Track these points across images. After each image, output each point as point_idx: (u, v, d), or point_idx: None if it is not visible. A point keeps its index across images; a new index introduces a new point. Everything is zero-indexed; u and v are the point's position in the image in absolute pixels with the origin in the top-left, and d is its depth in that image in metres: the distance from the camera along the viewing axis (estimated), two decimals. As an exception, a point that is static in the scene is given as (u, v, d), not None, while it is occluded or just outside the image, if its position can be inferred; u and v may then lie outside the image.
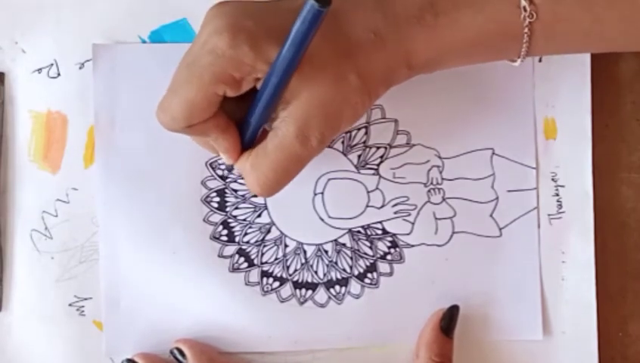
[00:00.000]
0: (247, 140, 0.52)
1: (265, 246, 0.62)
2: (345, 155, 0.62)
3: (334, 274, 0.62)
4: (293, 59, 0.47)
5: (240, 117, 0.52)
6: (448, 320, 0.61)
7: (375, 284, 0.62)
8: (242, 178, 0.61)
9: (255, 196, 0.62)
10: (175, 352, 0.60)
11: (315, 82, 0.49)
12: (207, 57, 0.48)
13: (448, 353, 0.60)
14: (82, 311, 0.62)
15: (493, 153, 0.62)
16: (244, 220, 0.62)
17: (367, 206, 0.62)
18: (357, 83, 0.50)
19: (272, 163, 0.50)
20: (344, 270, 0.62)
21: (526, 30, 0.51)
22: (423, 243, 0.62)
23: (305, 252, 0.62)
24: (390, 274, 0.62)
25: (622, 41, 0.54)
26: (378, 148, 0.62)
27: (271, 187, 0.51)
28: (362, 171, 0.62)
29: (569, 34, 0.52)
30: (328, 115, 0.49)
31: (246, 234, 0.62)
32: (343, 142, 0.62)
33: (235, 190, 0.62)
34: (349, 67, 0.49)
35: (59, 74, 0.61)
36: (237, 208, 0.62)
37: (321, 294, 0.62)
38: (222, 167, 0.61)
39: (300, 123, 0.49)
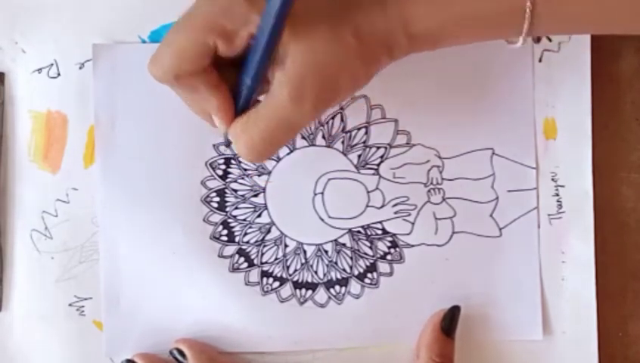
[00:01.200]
0: (242, 104, 0.51)
1: (265, 246, 0.62)
2: (345, 155, 0.62)
3: (334, 274, 0.62)
4: (283, 6, 0.45)
5: (235, 83, 0.51)
6: (449, 320, 0.61)
7: (375, 284, 0.62)
8: (242, 178, 0.62)
9: (256, 195, 0.62)
10: (175, 352, 0.60)
11: (309, 39, 0.48)
12: (202, 7, 0.48)
13: (450, 354, 0.60)
14: (82, 311, 0.62)
15: (493, 153, 0.62)
16: (244, 220, 0.62)
17: (367, 206, 0.62)
18: (355, 45, 0.48)
19: (263, 126, 0.49)
20: (344, 270, 0.62)
21: (528, 5, 0.49)
22: (423, 243, 0.62)
23: (305, 252, 0.62)
24: (390, 274, 0.62)
25: (628, 23, 0.53)
26: (378, 148, 0.62)
27: (260, 152, 0.50)
28: (362, 171, 0.62)
29: (573, 14, 0.51)
30: (324, 78, 0.48)
31: (246, 234, 0.62)
32: (343, 142, 0.62)
33: (235, 190, 0.62)
34: (346, 27, 0.48)
35: (59, 74, 0.61)
36: (237, 208, 0.62)
37: (321, 294, 0.62)
38: (222, 167, 0.62)
39: (295, 84, 0.48)
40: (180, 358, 0.60)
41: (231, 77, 0.51)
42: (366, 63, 0.50)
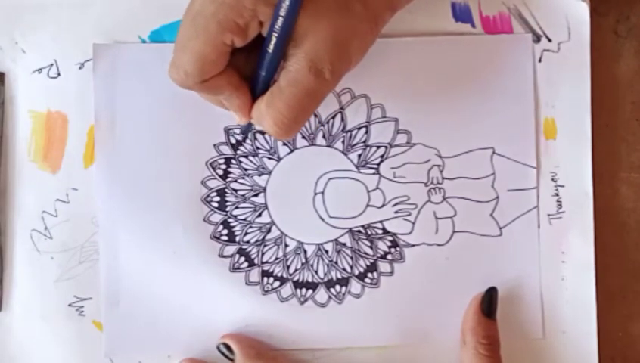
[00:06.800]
0: (258, 93, 0.52)
1: (265, 245, 0.62)
2: (345, 154, 0.62)
3: (335, 274, 0.62)
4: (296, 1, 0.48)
5: (249, 72, 0.52)
6: (488, 302, 0.61)
7: (375, 284, 0.62)
8: (242, 178, 0.62)
9: (256, 195, 0.62)
10: (222, 347, 0.61)
11: (321, 16, 0.49)
12: (209, 8, 0.49)
13: (495, 335, 0.60)
14: (82, 311, 0.62)
15: (493, 153, 0.62)
16: (244, 220, 0.62)
17: (367, 205, 0.62)
18: (362, 11, 0.50)
19: (287, 100, 0.50)
20: (344, 270, 0.62)
21: None
22: (423, 243, 0.62)
23: (305, 251, 0.62)
24: (391, 273, 0.62)
25: None
26: (379, 147, 0.62)
27: (288, 125, 0.51)
28: (363, 170, 0.62)
29: None
30: (338, 45, 0.50)
31: (246, 233, 0.62)
32: (343, 142, 0.62)
33: (235, 190, 0.62)
34: None
35: (59, 74, 0.61)
36: (237, 207, 0.62)
37: (321, 294, 0.62)
38: (222, 167, 0.62)
39: (312, 56, 0.50)
40: (227, 353, 0.60)
41: (241, 65, 0.52)
42: (373, 24, 0.52)
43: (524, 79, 0.63)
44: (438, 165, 0.62)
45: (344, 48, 0.50)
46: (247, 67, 0.52)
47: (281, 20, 0.49)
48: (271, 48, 0.50)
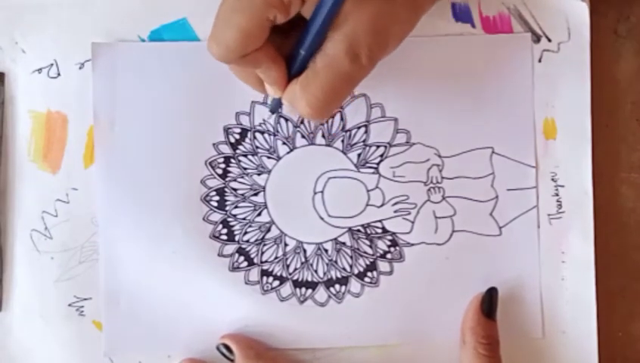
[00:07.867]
0: (294, 72, 0.52)
1: (265, 245, 0.62)
2: (345, 154, 0.62)
3: (334, 273, 0.62)
4: None
5: (285, 50, 0.52)
6: (489, 302, 0.61)
7: (375, 283, 0.62)
8: (241, 177, 0.62)
9: (255, 194, 0.62)
10: (222, 347, 0.61)
11: (364, 1, 0.49)
12: None
13: (494, 335, 0.60)
14: (82, 311, 0.62)
15: (493, 152, 0.62)
16: (244, 219, 0.62)
17: (367, 204, 0.62)
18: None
19: (322, 83, 0.51)
20: (344, 269, 0.62)
21: None
22: (423, 242, 0.62)
23: (305, 251, 0.62)
24: (390, 273, 0.62)
25: None
26: (378, 147, 0.62)
27: (322, 108, 0.51)
28: (362, 170, 0.62)
29: None
30: (377, 31, 0.50)
31: (246, 232, 0.62)
32: (342, 141, 0.62)
33: (235, 189, 0.62)
34: None
35: (59, 74, 0.61)
36: (236, 207, 0.62)
37: (321, 293, 0.62)
38: (222, 166, 0.62)
39: (350, 41, 0.50)
40: (227, 353, 0.60)
41: (278, 43, 0.52)
42: (413, 13, 0.52)
43: (524, 79, 0.63)
44: (437, 165, 0.62)
45: (383, 35, 0.51)
46: (284, 45, 0.52)
47: (329, 3, 0.49)
48: (314, 29, 0.50)
